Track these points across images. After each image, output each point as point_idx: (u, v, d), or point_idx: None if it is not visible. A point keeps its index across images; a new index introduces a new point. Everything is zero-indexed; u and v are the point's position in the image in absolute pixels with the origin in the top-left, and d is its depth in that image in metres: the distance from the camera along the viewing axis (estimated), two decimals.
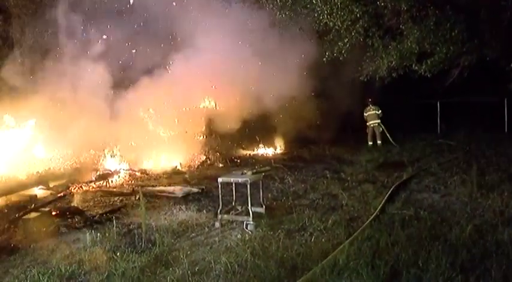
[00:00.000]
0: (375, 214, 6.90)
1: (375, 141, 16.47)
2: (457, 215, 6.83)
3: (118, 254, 5.59)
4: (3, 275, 5.19)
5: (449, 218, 6.71)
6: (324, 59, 11.90)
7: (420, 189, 9.00)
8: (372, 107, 16.56)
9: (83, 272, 5.14)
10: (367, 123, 16.65)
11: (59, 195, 9.14)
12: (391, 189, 8.63)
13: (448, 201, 7.92)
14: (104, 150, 12.27)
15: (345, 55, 11.38)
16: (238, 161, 14.17)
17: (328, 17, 10.41)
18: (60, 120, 11.77)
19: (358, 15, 10.26)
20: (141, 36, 13.27)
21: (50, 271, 5.15)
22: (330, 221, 6.64)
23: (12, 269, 5.35)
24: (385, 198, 7.92)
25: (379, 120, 16.43)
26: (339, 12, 10.21)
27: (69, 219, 7.25)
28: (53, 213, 7.46)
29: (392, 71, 11.72)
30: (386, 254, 5.20)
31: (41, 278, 4.98)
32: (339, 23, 10.41)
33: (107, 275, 4.99)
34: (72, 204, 8.40)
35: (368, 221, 6.52)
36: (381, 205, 7.42)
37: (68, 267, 5.23)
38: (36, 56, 12.87)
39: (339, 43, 11.12)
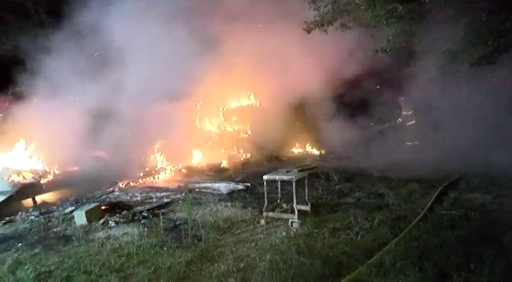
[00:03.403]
0: (422, 214, 6.73)
1: None
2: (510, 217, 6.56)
3: (165, 248, 5.74)
4: (59, 264, 5.42)
5: (502, 219, 6.46)
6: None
7: (471, 189, 8.69)
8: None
9: (131, 265, 5.28)
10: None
11: None
12: (439, 189, 8.39)
13: (502, 202, 7.59)
14: (151, 146, 12.49)
15: (389, 53, 11.10)
16: (284, 158, 14.13)
17: (371, 13, 10.16)
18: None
19: (402, 12, 9.97)
20: None
21: (101, 263, 5.34)
22: (376, 220, 6.55)
23: (67, 258, 5.57)
24: (433, 197, 7.72)
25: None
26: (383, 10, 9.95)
27: (118, 214, 7.49)
28: (103, 207, 7.73)
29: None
30: (434, 255, 5.08)
31: (93, 269, 5.18)
32: (384, 21, 10.14)
33: (154, 269, 5.12)
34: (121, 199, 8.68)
35: (415, 221, 6.37)
36: (428, 205, 7.23)
37: (118, 260, 5.40)
38: None
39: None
